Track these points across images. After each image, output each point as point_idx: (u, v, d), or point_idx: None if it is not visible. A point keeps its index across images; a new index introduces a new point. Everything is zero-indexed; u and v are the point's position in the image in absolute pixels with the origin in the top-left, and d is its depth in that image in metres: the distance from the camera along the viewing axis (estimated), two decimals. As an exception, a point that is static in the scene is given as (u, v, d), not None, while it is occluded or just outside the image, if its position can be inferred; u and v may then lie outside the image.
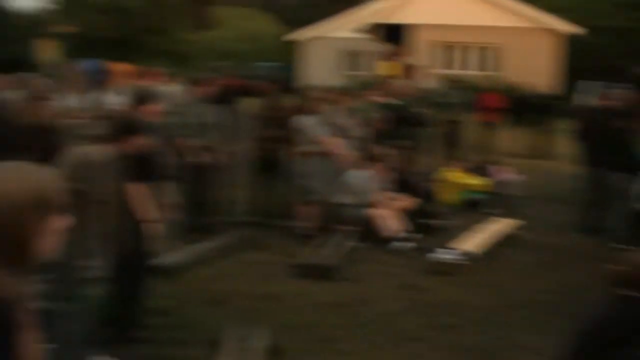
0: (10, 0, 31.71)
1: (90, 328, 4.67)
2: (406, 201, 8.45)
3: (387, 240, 7.84)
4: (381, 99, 10.34)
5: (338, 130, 8.33)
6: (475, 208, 9.86)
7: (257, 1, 46.94)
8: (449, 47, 26.73)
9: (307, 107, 8.29)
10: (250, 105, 10.04)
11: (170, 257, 6.77)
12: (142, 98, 5.38)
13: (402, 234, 7.94)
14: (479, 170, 10.71)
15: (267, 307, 5.93)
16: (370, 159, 8.34)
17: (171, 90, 10.74)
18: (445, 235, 8.05)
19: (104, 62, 23.81)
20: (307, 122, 8.05)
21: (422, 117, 10.58)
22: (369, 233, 7.89)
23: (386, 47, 23.35)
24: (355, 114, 9.30)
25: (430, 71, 19.46)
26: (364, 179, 8.17)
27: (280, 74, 28.57)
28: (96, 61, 25.14)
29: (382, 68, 20.10)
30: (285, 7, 53.35)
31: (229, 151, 8.59)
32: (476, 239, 7.74)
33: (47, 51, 34.22)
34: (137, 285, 5.14)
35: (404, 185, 8.84)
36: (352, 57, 29.81)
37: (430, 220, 8.60)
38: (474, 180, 10.31)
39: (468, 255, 7.22)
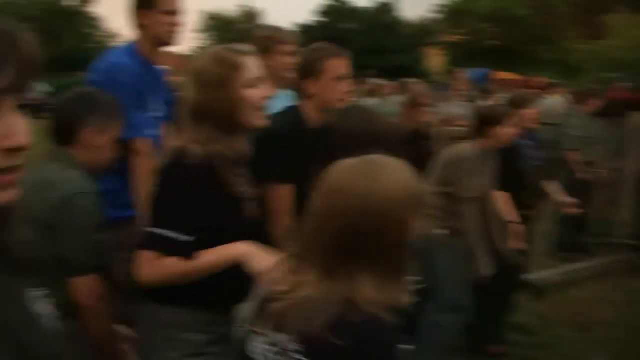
0: (400, 11, 33.72)
1: (452, 335, 4.71)
2: None
3: None
4: None
5: None
6: None
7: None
8: None
9: None
10: (640, 120, 9.31)
11: (542, 273, 6.59)
12: (518, 102, 5.26)
13: None
14: None
15: (637, 341, 5.40)
16: None
17: (553, 101, 10.47)
18: None
19: (489, 71, 24.13)
20: None
21: None
22: None
23: None
24: None
25: None
26: None
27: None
28: (482, 70, 25.62)
29: None
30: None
31: (613, 168, 8.12)
32: None
33: (434, 59, 35.73)
34: (503, 297, 5.06)
35: None
36: None
37: None
38: None
39: None
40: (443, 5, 41.74)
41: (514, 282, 5.09)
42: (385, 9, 33.77)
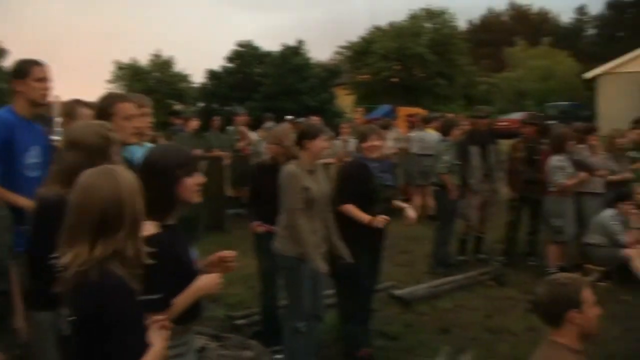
0: (308, 54, 34.71)
1: (317, 343, 5.27)
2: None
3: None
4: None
5: (591, 170, 8.15)
6: None
7: (553, 38, 45.67)
8: None
9: (560, 146, 8.11)
10: (508, 145, 10.05)
11: (409, 288, 7.32)
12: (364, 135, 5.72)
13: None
14: None
15: (493, 338, 6.06)
16: (623, 198, 8.02)
17: (428, 134, 11.37)
18: None
19: (394, 107, 25.20)
20: (559, 163, 7.95)
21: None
22: (618, 273, 7.65)
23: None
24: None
25: None
26: (617, 218, 7.89)
27: (575, 112, 28.13)
28: (387, 106, 26.80)
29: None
30: (582, 43, 51.39)
31: (485, 190, 8.90)
32: None
33: (344, 99, 36.89)
34: (361, 304, 5.57)
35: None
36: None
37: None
38: None
39: None
40: (346, 47, 43.14)
41: (367, 289, 5.64)
42: (293, 53, 34.27)
